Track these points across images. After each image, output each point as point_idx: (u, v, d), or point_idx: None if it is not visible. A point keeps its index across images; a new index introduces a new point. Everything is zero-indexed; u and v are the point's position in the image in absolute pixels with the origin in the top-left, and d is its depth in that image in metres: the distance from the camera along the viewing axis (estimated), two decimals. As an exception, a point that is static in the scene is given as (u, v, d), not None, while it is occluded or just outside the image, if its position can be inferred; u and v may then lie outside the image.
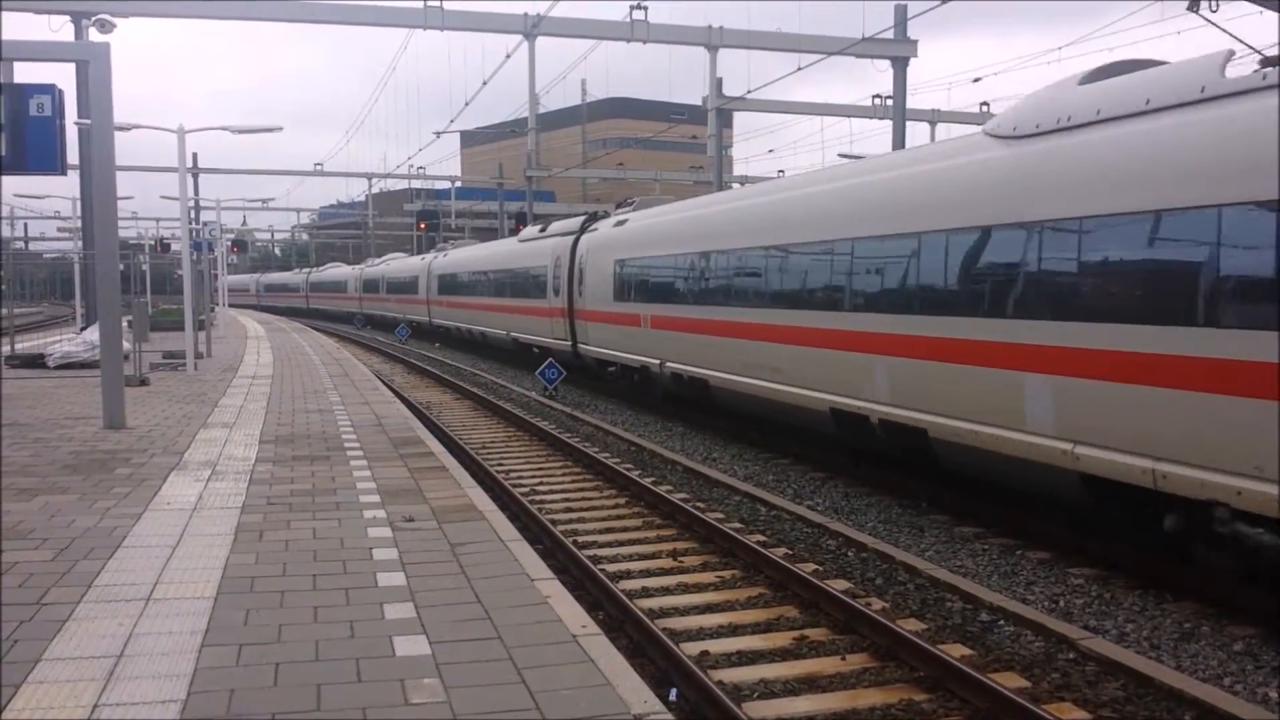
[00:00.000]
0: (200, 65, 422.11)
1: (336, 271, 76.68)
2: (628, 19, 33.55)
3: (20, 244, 77.65)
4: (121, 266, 16.94)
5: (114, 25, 28.06)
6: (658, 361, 19.05)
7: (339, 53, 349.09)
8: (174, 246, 55.12)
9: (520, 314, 29.90)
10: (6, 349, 25.22)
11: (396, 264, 56.09)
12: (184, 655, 5.59)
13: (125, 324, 19.03)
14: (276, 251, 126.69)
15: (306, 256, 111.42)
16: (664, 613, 8.33)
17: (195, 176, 56.41)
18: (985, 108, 39.75)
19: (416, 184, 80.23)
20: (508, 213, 57.19)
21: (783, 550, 10.10)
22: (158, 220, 73.82)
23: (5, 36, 14.47)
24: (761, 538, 10.60)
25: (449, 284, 40.81)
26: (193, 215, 43.18)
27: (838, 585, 8.87)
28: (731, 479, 13.55)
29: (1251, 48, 8.76)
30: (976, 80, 47.57)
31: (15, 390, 18.46)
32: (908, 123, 34.34)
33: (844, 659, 7.36)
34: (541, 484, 13.60)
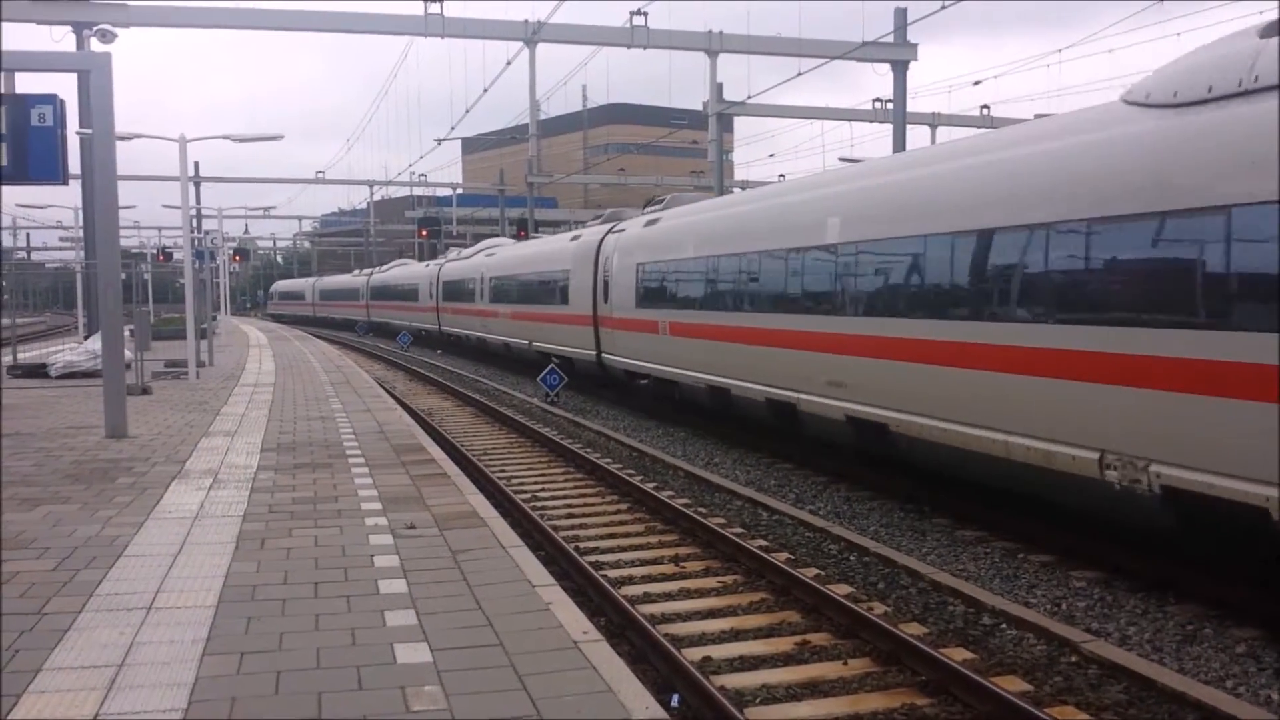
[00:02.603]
0: (200, 77, 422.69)
1: (404, 271, 56.31)
2: (628, 24, 33.62)
3: (22, 254, 77.80)
4: (123, 276, 16.96)
5: (115, 35, 28.15)
6: None
7: (338, 65, 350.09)
8: (176, 255, 55.27)
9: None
10: (9, 359, 25.26)
11: (507, 253, 34.58)
12: (185, 664, 5.60)
13: (127, 333, 19.06)
14: (279, 259, 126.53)
15: (308, 264, 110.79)
16: (666, 618, 8.32)
17: (197, 185, 56.61)
18: (985, 111, 39.79)
19: (418, 191, 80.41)
20: (509, 219, 57.27)
21: (785, 555, 10.09)
22: (159, 229, 74.03)
23: (6, 47, 14.52)
24: (763, 543, 10.59)
25: (686, 289, 18.55)
26: (194, 224, 43.27)
27: (840, 590, 8.86)
28: (733, 484, 13.54)
29: None
30: (977, 84, 47.67)
31: (18, 400, 18.49)
32: (908, 126, 34.41)
33: (846, 664, 7.35)
34: (543, 490, 13.60)
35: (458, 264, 41.74)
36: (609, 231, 23.61)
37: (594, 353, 23.63)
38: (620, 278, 21.73)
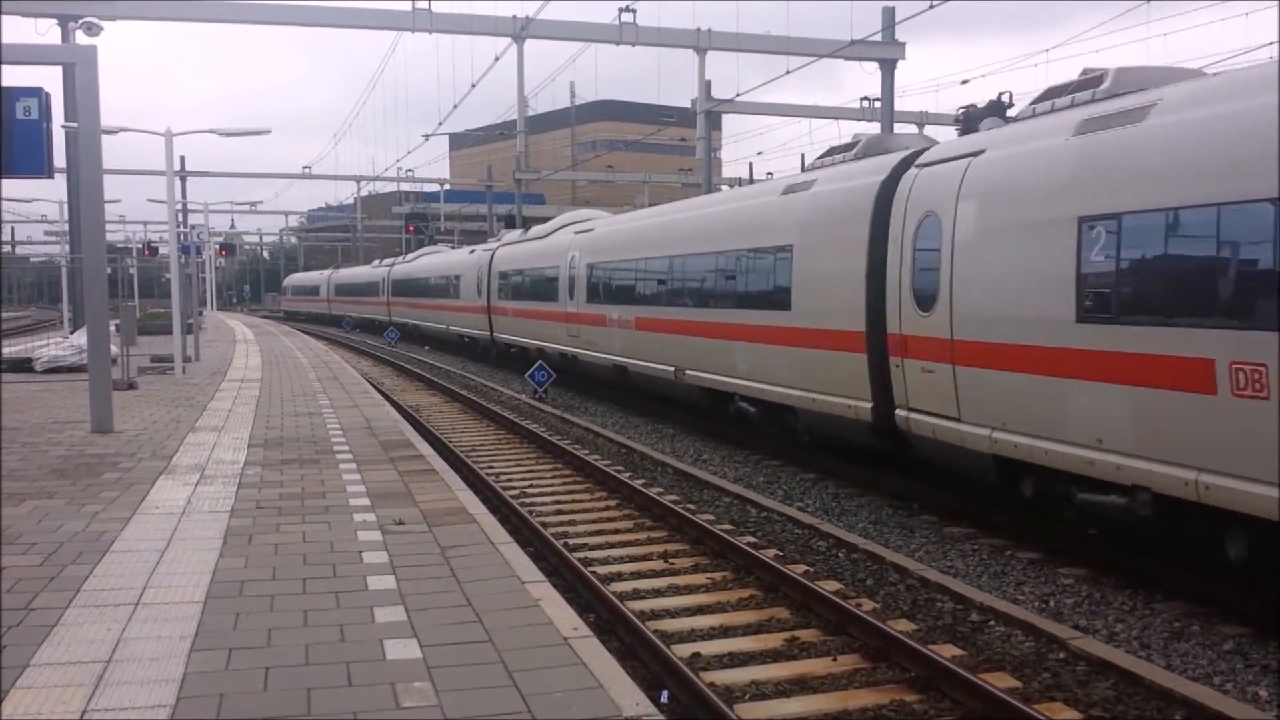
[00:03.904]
0: (185, 74, 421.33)
1: (437, 261, 43.71)
2: (616, 21, 33.58)
3: (7, 248, 77.42)
4: (109, 270, 16.86)
5: (101, 29, 27.97)
6: None
7: (322, 63, 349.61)
8: (162, 250, 55.08)
9: None
10: (-7, 353, 25.10)
11: (629, 227, 22.21)
12: (173, 660, 5.57)
13: (113, 328, 18.96)
14: (265, 255, 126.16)
15: (295, 260, 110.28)
16: (655, 615, 8.32)
17: (183, 180, 56.38)
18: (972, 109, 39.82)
19: (405, 187, 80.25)
20: (496, 215, 57.17)
21: (773, 552, 10.10)
22: (145, 223, 73.78)
23: (-9, 40, 14.41)
24: (752, 539, 10.60)
25: None
26: (180, 218, 43.09)
27: (828, 586, 8.87)
28: (722, 481, 13.55)
29: None
30: (965, 82, 47.66)
31: (2, 394, 18.36)
32: (895, 125, 34.47)
33: (835, 660, 7.36)
34: (532, 486, 13.58)
35: (520, 247, 30.01)
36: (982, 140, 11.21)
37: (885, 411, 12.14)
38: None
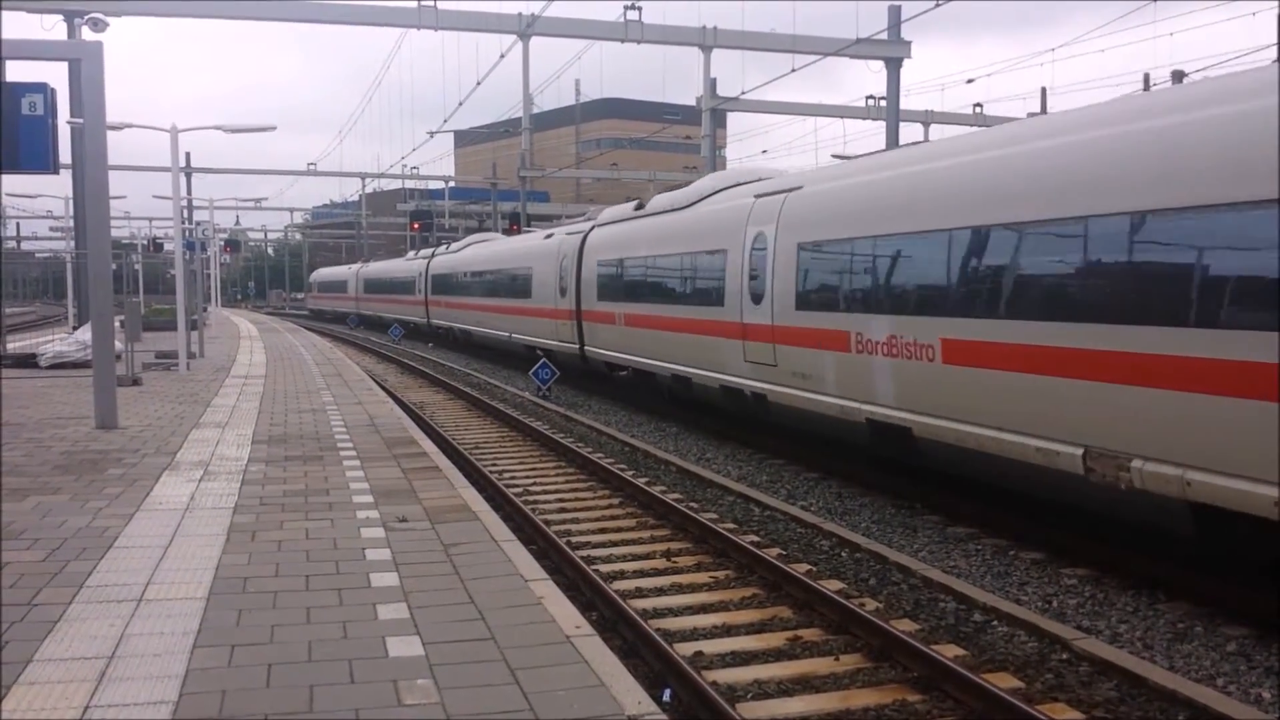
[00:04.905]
0: (184, 72, 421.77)
1: (493, 250, 34.79)
2: (622, 19, 33.57)
3: (12, 243, 77.56)
4: (114, 266, 16.87)
5: (107, 24, 28.04)
6: None
7: (319, 61, 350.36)
8: (166, 246, 55.15)
9: None
10: (-2, 348, 25.14)
11: (904, 170, 11.79)
12: (176, 656, 5.57)
13: (118, 324, 18.98)
14: (270, 251, 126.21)
15: (299, 257, 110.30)
16: (658, 613, 8.32)
17: (188, 176, 56.46)
18: (979, 109, 39.87)
19: (410, 184, 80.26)
20: (501, 213, 57.18)
21: (776, 551, 10.10)
22: (150, 220, 73.89)
23: (-3, 35, 14.44)
24: (755, 538, 10.59)
25: None
26: (185, 215, 43.13)
27: (831, 586, 8.86)
28: (725, 479, 13.54)
29: None
30: (970, 81, 47.66)
31: (7, 390, 18.37)
32: (901, 124, 34.46)
33: (838, 659, 7.36)
34: (535, 484, 13.58)
35: (637, 225, 21.00)
36: None
37: None
38: None
